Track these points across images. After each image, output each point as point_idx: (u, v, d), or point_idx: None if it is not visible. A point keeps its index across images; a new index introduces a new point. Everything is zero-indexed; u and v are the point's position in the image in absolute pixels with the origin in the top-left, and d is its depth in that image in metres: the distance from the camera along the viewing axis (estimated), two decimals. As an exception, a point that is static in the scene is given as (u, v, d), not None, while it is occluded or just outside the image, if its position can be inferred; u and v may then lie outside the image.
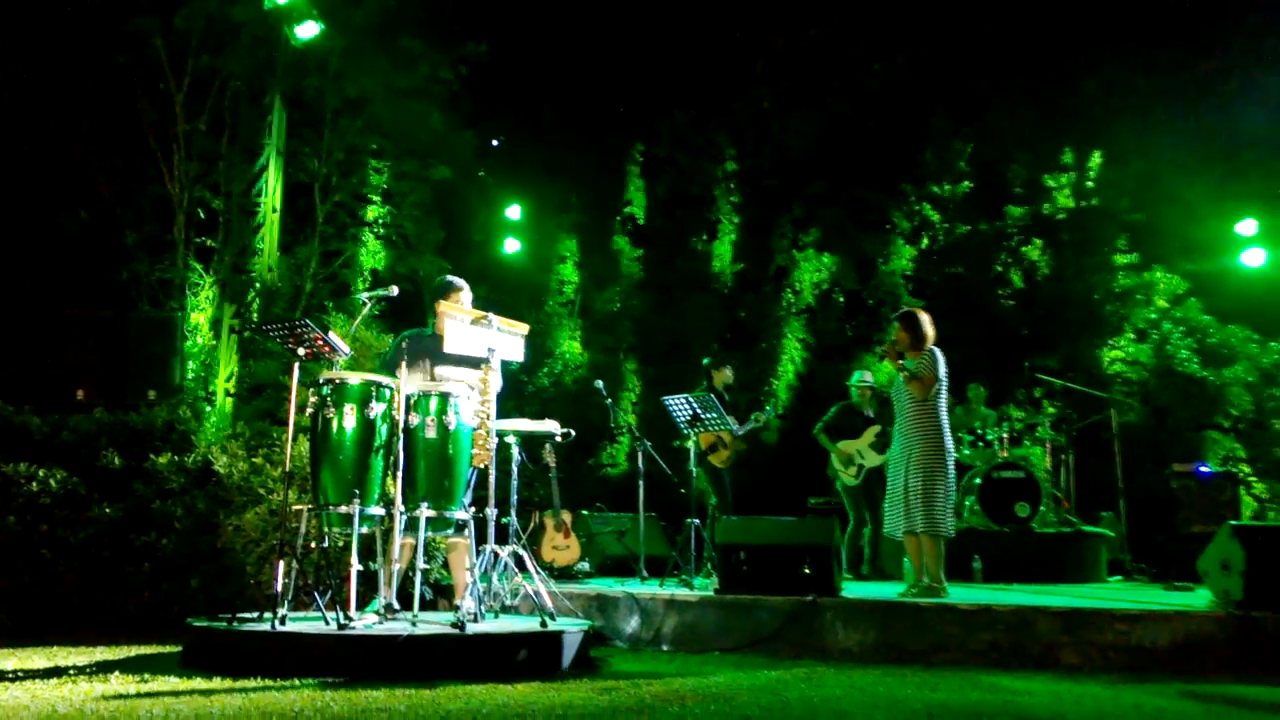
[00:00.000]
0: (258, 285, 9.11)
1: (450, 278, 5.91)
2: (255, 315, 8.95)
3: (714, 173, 13.36)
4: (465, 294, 5.81)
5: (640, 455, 7.39)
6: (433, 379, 5.64)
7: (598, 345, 12.53)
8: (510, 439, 6.07)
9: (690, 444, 7.26)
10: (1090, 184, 12.26)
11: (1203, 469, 8.75)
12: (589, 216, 12.99)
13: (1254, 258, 11.07)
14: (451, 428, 5.08)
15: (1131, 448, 9.71)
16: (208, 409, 7.81)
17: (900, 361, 6.16)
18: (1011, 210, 12.48)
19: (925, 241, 12.78)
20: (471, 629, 4.73)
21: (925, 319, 6.24)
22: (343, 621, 4.61)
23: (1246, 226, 11.06)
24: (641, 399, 12.26)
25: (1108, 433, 8.81)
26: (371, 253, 10.36)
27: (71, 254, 9.15)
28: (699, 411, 7.00)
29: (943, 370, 6.12)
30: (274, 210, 9.35)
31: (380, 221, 10.47)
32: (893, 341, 6.31)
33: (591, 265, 12.86)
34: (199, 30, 8.70)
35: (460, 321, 5.22)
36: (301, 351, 5.13)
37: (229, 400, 8.59)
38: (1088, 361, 11.52)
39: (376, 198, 10.45)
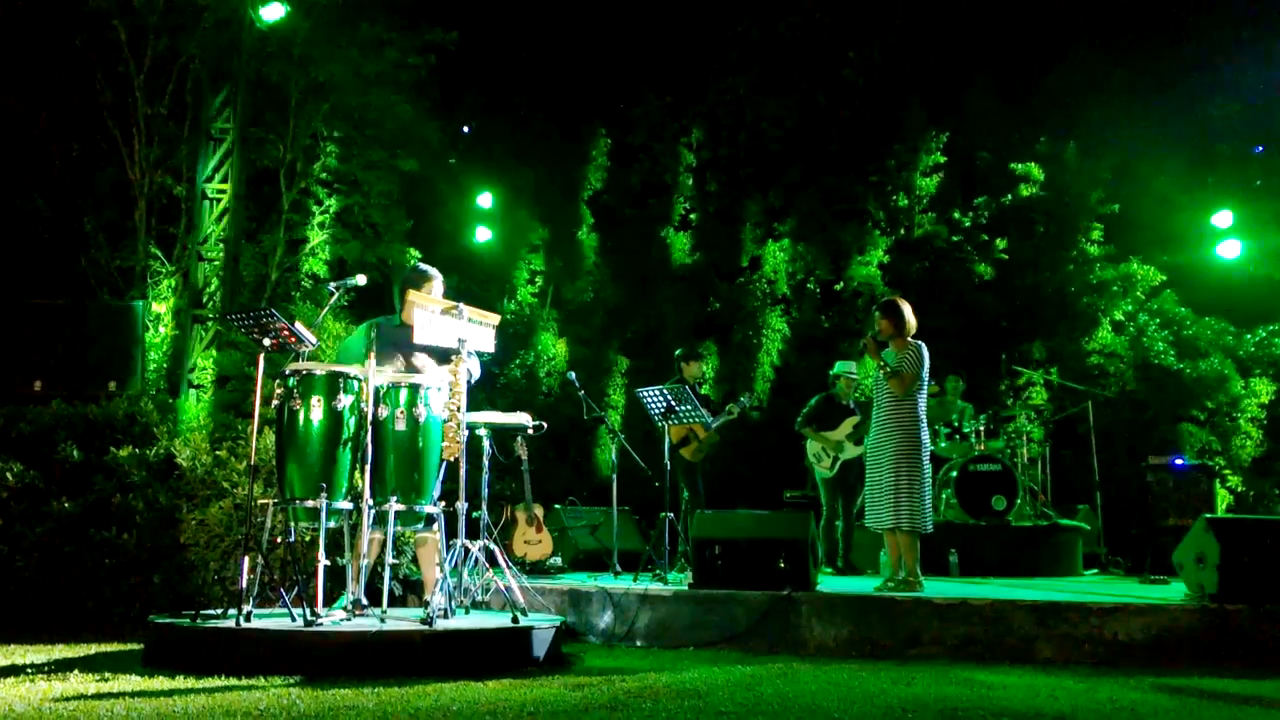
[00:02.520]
0: (221, 274, 8.91)
1: (423, 266, 5.79)
2: (219, 305, 8.75)
3: (689, 160, 13.27)
4: (437, 283, 5.69)
5: (615, 449, 7.32)
6: (405, 370, 5.52)
7: (571, 336, 12.41)
8: (481, 432, 6.02)
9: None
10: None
11: (1178, 462, 8.78)
12: (562, 205, 12.85)
13: (1229, 249, 11.13)
14: (421, 420, 5.01)
15: (1108, 440, 9.73)
16: (170, 401, 7.63)
17: (879, 356, 6.11)
18: (987, 200, 12.48)
19: (901, 231, 12.76)
20: (441, 625, 4.66)
21: (907, 308, 6.25)
22: (309, 618, 4.53)
23: (1222, 218, 11.11)
24: (616, 390, 12.15)
25: (1084, 425, 8.82)
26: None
27: (27, 241, 8.92)
28: (673, 403, 6.91)
29: (925, 367, 6.08)
30: (238, 197, 9.14)
31: (347, 210, 10.29)
32: (874, 332, 6.26)
33: (565, 254, 12.73)
34: (159, 10, 8.50)
35: (430, 312, 5.12)
36: (267, 342, 5.03)
37: (192, 392, 8.40)
38: (1065, 354, 11.55)
39: (344, 186, 10.26)
